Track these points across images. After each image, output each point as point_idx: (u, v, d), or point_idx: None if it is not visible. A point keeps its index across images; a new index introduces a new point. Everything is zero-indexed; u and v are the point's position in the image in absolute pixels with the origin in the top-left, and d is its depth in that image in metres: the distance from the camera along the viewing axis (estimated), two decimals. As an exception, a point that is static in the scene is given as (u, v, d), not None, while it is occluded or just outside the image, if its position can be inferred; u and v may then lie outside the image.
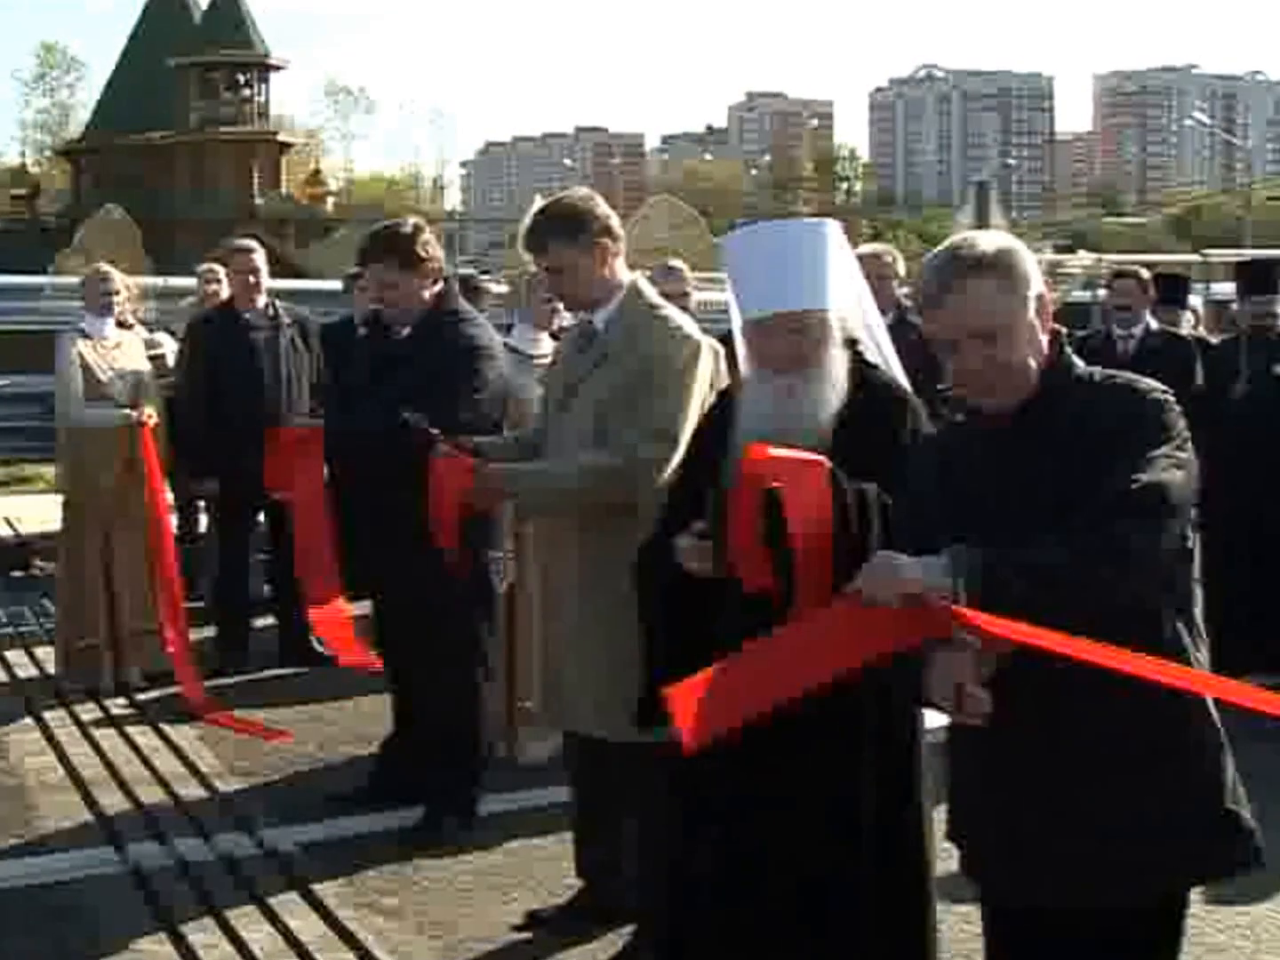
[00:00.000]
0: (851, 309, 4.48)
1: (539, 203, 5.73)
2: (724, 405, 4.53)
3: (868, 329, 4.61)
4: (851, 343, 4.37)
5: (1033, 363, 3.42)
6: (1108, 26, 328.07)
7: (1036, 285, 3.45)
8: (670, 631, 4.36)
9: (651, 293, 5.62)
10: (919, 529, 3.44)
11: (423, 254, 6.64)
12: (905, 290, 9.05)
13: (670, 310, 5.59)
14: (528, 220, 5.52)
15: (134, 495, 9.24)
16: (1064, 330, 3.57)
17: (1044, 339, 3.46)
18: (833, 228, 4.40)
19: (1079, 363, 3.51)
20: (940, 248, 3.52)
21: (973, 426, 3.56)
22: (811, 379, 4.23)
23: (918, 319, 8.99)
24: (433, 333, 6.64)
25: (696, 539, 4.16)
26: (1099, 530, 3.14)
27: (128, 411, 9.13)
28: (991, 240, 3.49)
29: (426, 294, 6.67)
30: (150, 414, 9.16)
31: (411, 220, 7.05)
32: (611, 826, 5.78)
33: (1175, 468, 3.23)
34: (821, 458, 3.88)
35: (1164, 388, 3.40)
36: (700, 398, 5.26)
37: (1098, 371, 3.50)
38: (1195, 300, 13.87)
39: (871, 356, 4.51)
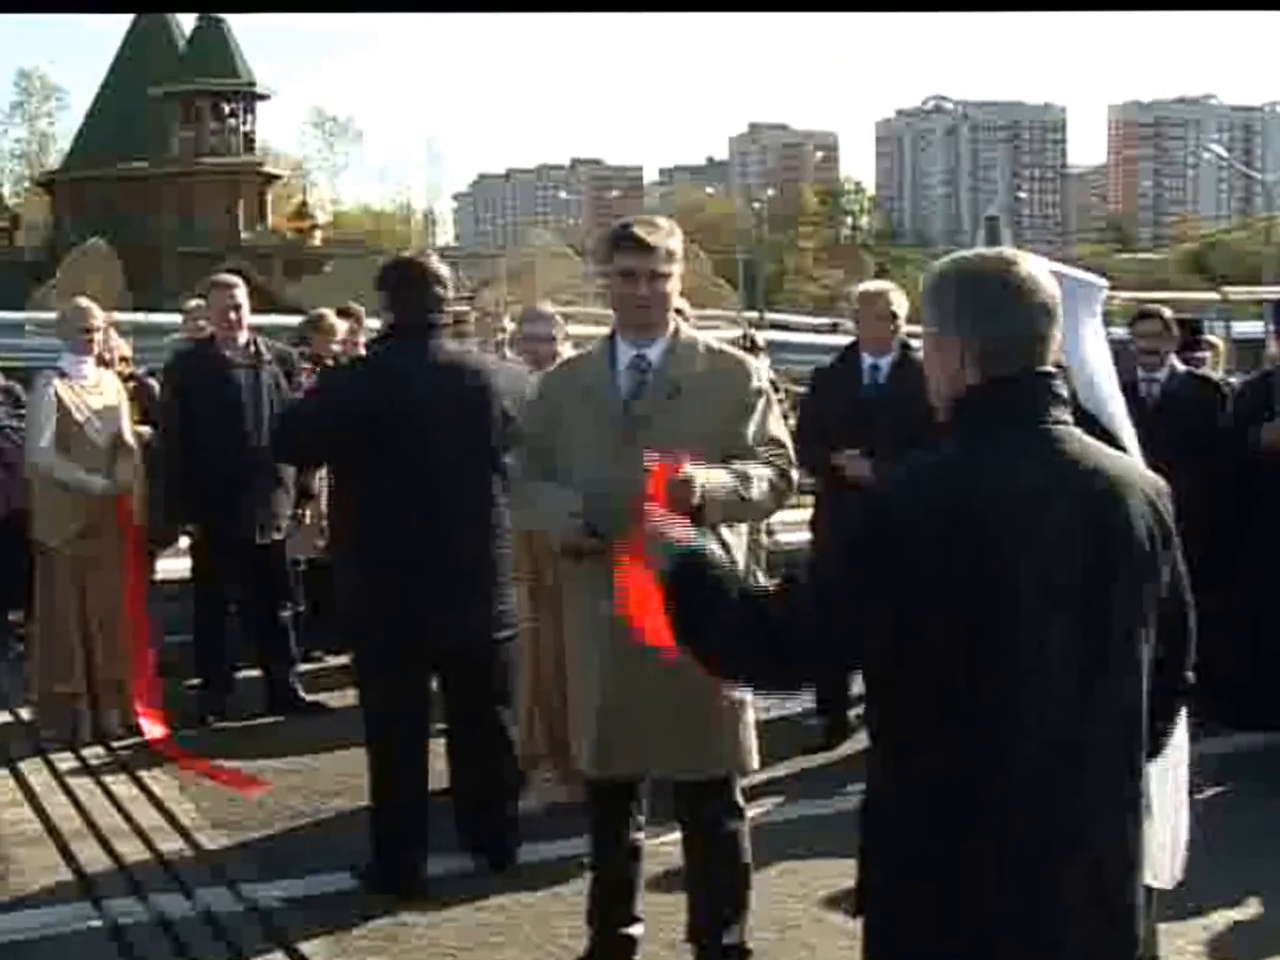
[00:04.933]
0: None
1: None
2: None
3: (1091, 387, 4.67)
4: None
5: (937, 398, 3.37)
6: (1122, 57, 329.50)
7: (941, 326, 3.32)
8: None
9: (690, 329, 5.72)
10: None
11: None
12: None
13: (721, 344, 5.75)
14: (648, 223, 5.45)
15: (108, 541, 9.09)
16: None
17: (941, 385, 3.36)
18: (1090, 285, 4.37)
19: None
20: None
21: None
22: None
23: (920, 358, 8.93)
24: None
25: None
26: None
27: (104, 483, 9.00)
28: (938, 263, 3.42)
29: None
30: (126, 479, 9.09)
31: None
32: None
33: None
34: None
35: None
36: None
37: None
38: (1217, 339, 13.71)
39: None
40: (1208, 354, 11.06)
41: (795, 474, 5.45)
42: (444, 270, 6.83)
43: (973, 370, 3.25)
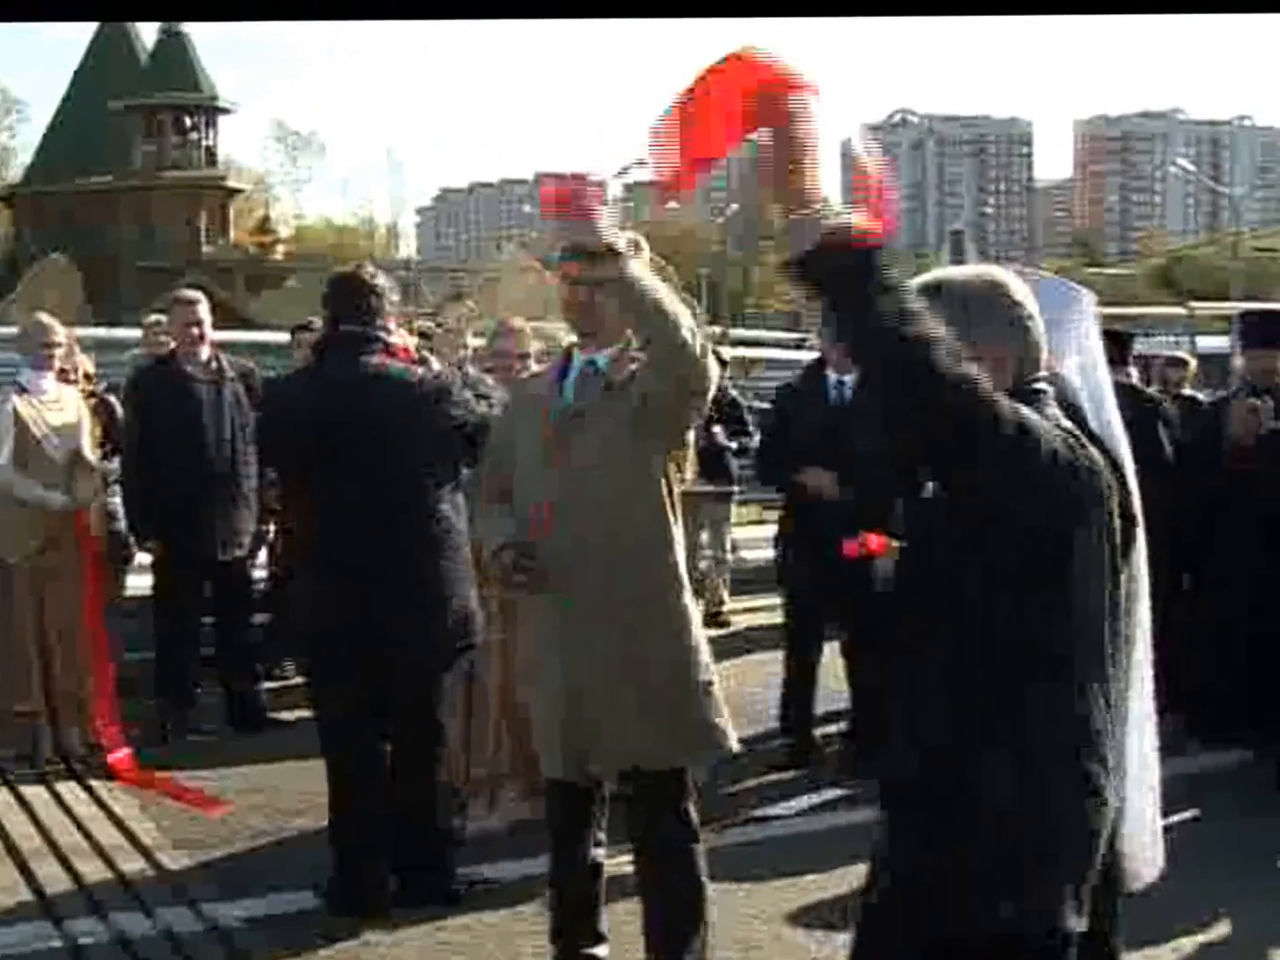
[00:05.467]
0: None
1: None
2: None
3: (1087, 393, 4.66)
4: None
5: None
6: (1089, 70, 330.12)
7: (982, 334, 3.48)
8: None
9: None
10: None
11: None
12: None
13: None
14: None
15: (66, 557, 9.01)
16: None
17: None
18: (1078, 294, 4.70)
19: None
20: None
21: None
22: None
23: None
24: None
25: None
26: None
27: (63, 499, 8.93)
28: (952, 274, 3.67)
29: None
30: (85, 495, 9.01)
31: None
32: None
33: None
34: None
35: None
36: None
37: None
38: (1187, 355, 13.69)
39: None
40: (1128, 368, 10.99)
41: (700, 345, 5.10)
42: (379, 281, 6.78)
43: (1013, 375, 3.53)
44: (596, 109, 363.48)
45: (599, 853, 5.67)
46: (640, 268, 5.02)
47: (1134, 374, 10.97)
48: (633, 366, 5.35)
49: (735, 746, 5.52)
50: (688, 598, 5.44)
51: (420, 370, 6.75)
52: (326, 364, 6.79)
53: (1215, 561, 8.86)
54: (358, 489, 6.50)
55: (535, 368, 7.38)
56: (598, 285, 5.31)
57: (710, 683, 5.42)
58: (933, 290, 3.53)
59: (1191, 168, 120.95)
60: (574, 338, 5.63)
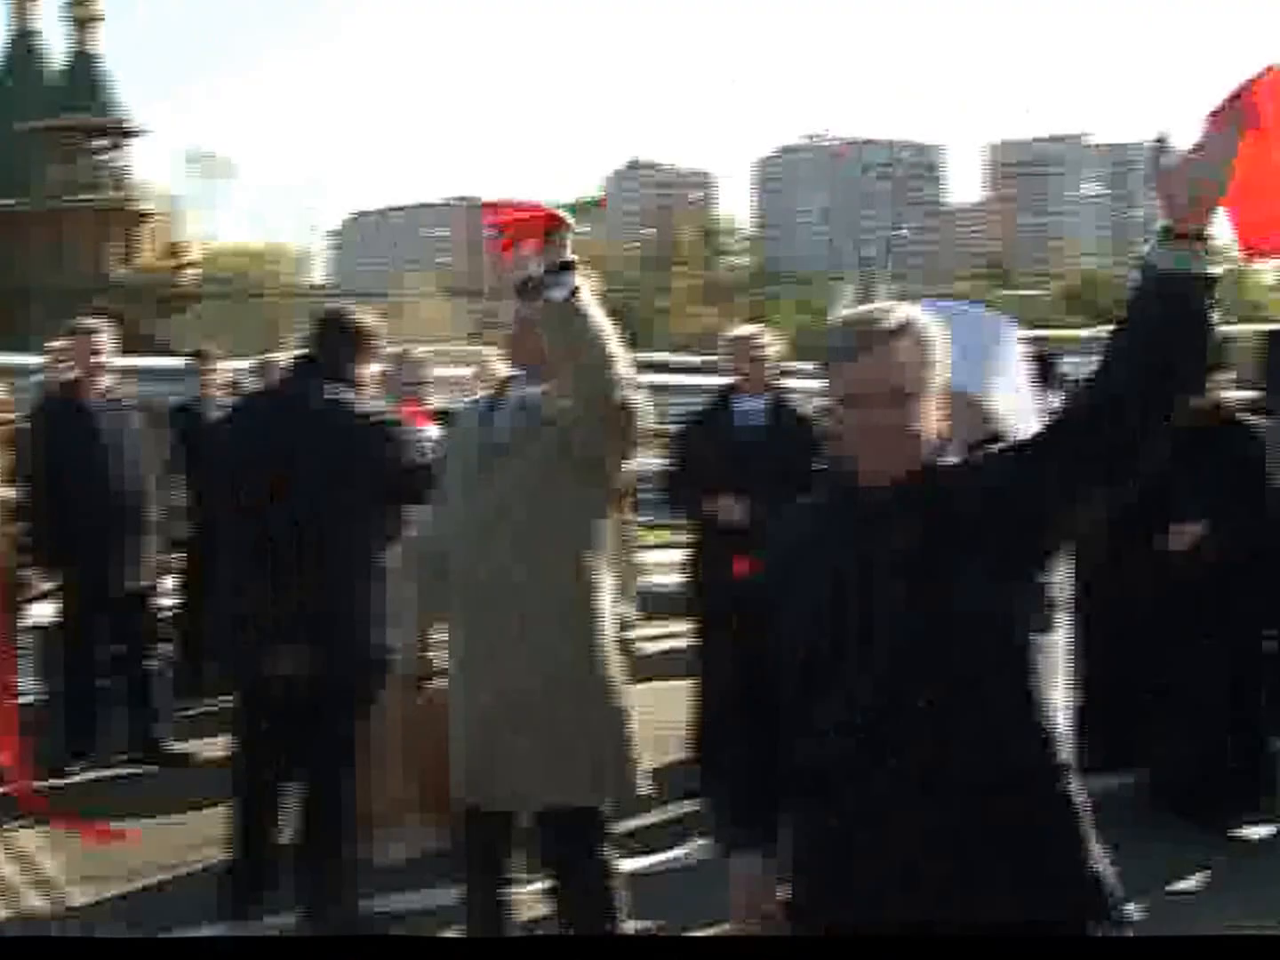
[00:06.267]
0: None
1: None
2: None
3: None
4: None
5: (926, 440, 3.46)
6: (998, 95, 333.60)
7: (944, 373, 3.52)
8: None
9: None
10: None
11: None
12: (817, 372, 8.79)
13: None
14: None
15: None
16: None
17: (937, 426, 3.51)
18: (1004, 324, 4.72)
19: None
20: (859, 310, 3.60)
21: (845, 498, 3.57)
22: None
23: (794, 402, 8.85)
24: None
25: None
26: None
27: None
28: (914, 313, 3.54)
29: None
30: None
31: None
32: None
33: None
34: None
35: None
36: None
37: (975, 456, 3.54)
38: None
39: None
40: (1059, 393, 11.04)
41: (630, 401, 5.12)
42: (364, 322, 6.83)
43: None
44: (510, 134, 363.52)
45: (509, 890, 5.60)
46: (589, 295, 5.01)
47: (1056, 400, 11.02)
48: (563, 403, 5.31)
49: (644, 788, 5.48)
50: (602, 636, 5.38)
51: (375, 405, 6.76)
52: (284, 391, 6.91)
53: (1115, 584, 8.86)
54: (292, 515, 6.51)
55: (439, 394, 7.40)
56: (535, 319, 5.30)
57: (623, 722, 5.39)
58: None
59: (1100, 190, 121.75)
60: (503, 371, 5.63)
